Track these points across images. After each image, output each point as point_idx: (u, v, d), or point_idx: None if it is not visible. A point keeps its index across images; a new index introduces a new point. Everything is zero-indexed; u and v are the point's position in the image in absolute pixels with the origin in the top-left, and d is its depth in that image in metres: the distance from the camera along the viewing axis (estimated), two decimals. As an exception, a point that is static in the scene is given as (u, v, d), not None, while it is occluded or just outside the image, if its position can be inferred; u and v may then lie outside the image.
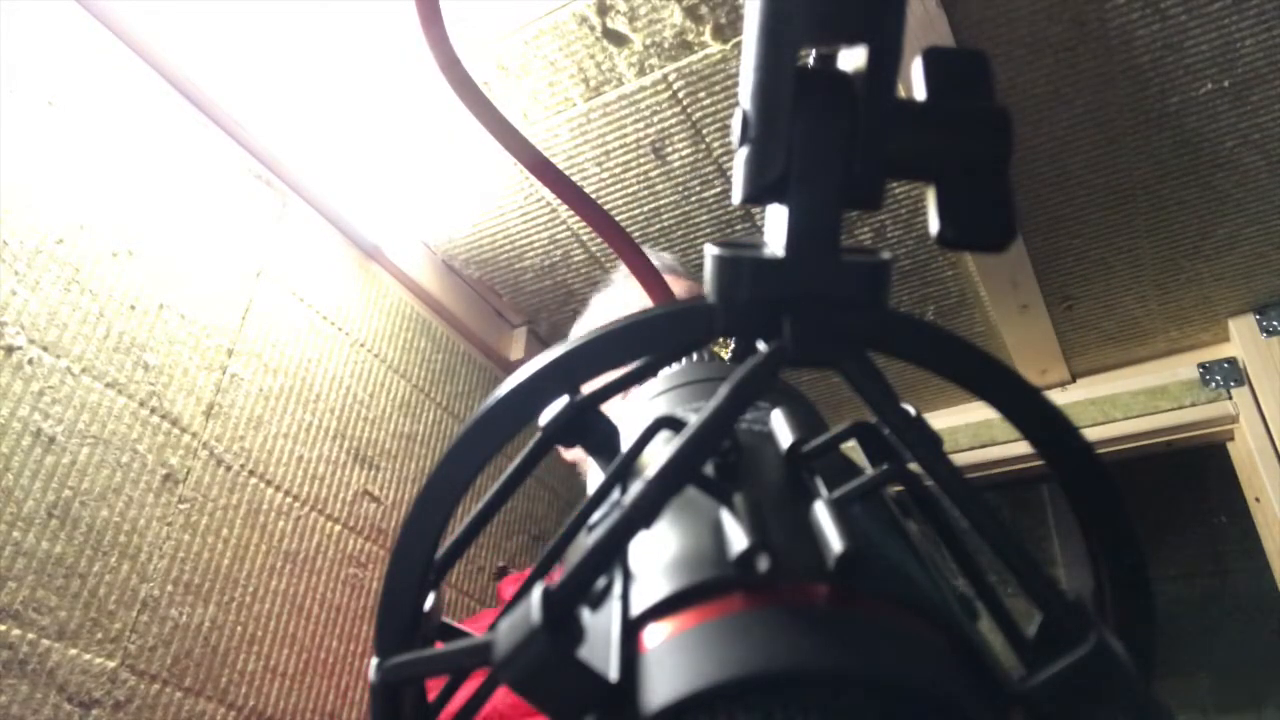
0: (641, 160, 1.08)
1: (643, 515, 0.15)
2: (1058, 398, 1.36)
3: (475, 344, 1.31)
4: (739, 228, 1.17)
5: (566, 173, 0.90)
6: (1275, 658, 1.22)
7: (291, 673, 0.91)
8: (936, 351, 0.17)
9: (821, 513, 0.15)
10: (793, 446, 0.18)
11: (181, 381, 0.86)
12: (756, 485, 0.17)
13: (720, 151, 1.06)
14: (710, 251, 0.16)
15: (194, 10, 0.91)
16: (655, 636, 0.14)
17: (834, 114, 0.16)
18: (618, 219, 0.94)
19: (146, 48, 0.91)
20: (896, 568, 0.16)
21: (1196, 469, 1.37)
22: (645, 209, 1.14)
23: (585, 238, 1.19)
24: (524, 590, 0.18)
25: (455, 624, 0.20)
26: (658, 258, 0.93)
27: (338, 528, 1.01)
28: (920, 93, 0.16)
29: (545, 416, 0.19)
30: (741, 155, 0.16)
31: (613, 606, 0.15)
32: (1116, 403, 1.36)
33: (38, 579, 0.71)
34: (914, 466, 0.18)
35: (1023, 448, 0.18)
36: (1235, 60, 0.93)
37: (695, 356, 0.26)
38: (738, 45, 0.93)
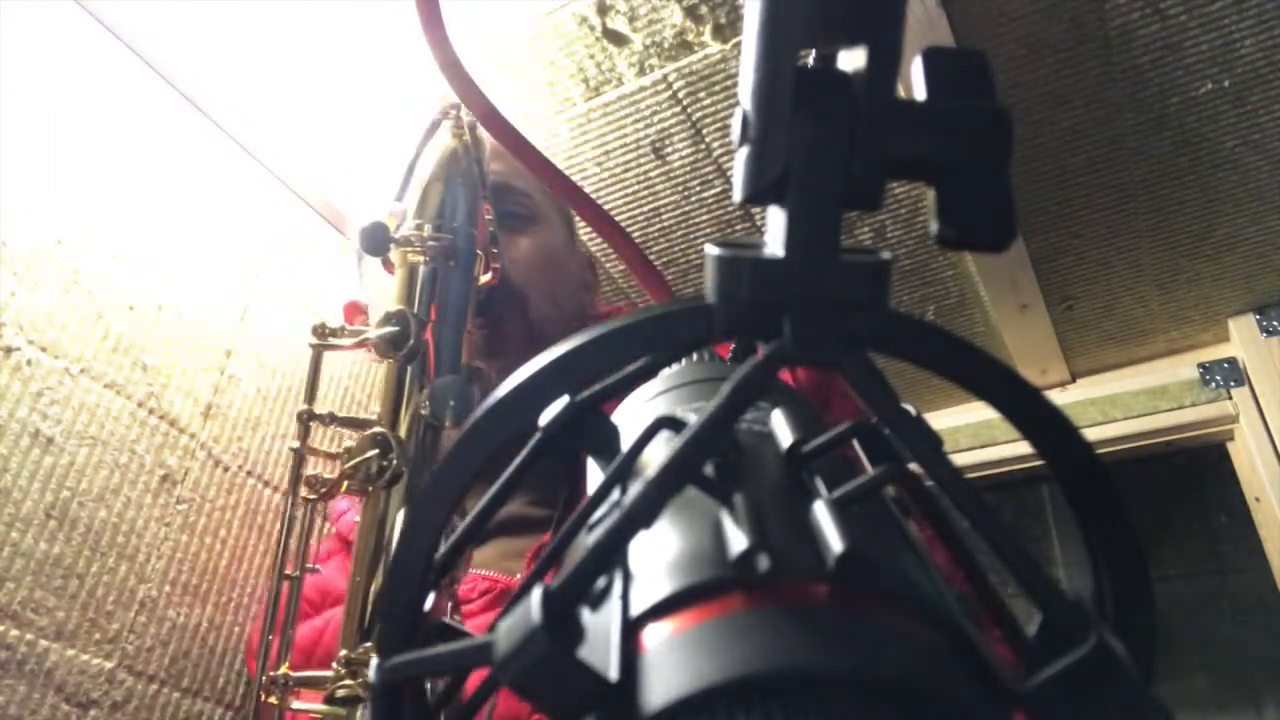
0: (641, 160, 1.08)
1: (643, 515, 0.15)
2: (1058, 398, 1.36)
3: (475, 344, 1.31)
4: (739, 228, 1.17)
5: (566, 172, 0.89)
6: (1275, 658, 1.22)
7: (291, 673, 0.91)
8: (936, 351, 0.17)
9: (821, 513, 0.15)
10: (793, 446, 0.18)
11: (180, 382, 0.86)
12: (756, 485, 0.17)
13: (720, 151, 1.06)
14: (710, 251, 0.16)
15: (195, 11, 0.90)
16: (655, 636, 0.14)
17: (834, 114, 0.16)
18: (618, 219, 0.94)
19: (147, 48, 0.91)
20: (896, 568, 0.16)
21: (1196, 469, 1.37)
22: (645, 209, 1.14)
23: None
24: (524, 590, 0.18)
25: (456, 624, 0.20)
26: None
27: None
28: (920, 93, 0.16)
29: (545, 416, 0.19)
30: (741, 155, 0.16)
31: (613, 606, 0.15)
32: (1116, 403, 1.36)
33: (35, 579, 0.71)
34: (914, 466, 0.18)
35: (1023, 448, 0.18)
36: (1235, 60, 0.93)
37: (695, 356, 0.26)
38: (738, 45, 0.93)
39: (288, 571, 0.48)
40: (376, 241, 0.52)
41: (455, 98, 0.52)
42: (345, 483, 0.47)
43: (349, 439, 0.48)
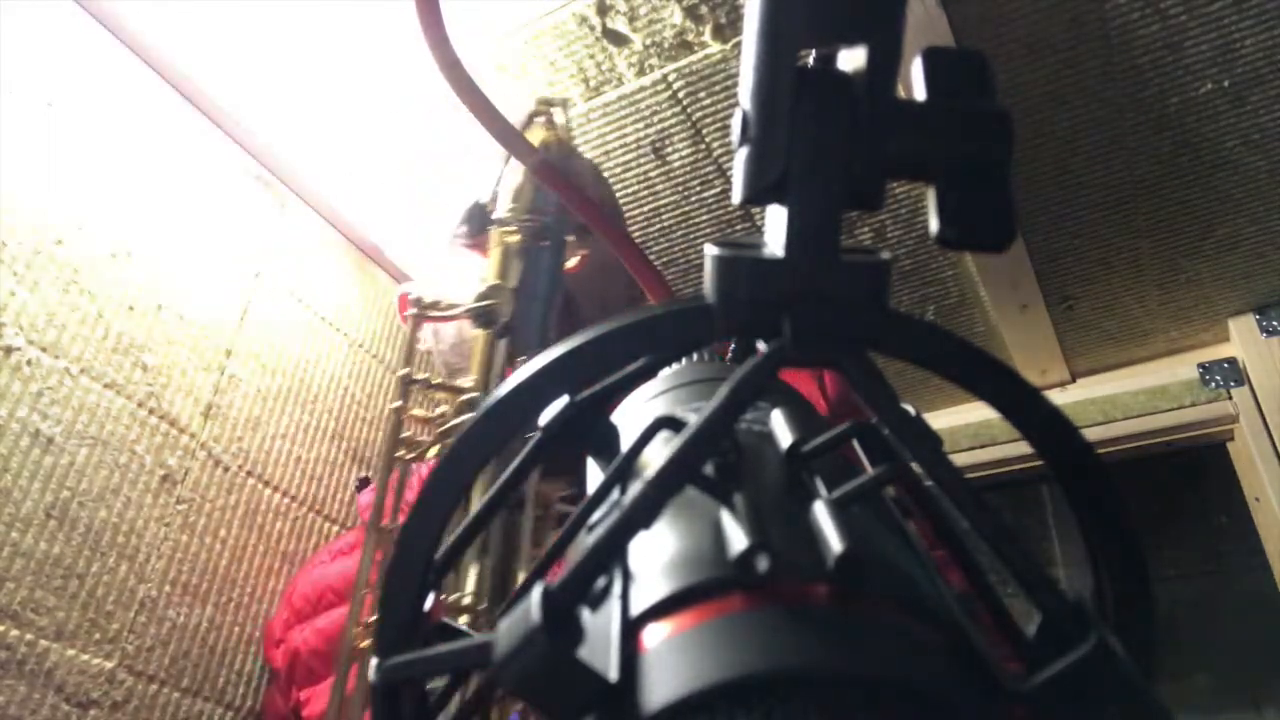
0: (641, 160, 1.08)
1: (642, 516, 0.15)
2: (1058, 398, 1.36)
3: (475, 344, 1.31)
4: (739, 228, 1.17)
5: (566, 173, 0.89)
6: (1275, 658, 1.22)
7: (291, 673, 0.91)
8: (936, 351, 0.17)
9: (821, 513, 0.15)
10: (792, 446, 0.18)
11: (180, 382, 0.86)
12: (756, 485, 0.17)
13: (720, 151, 1.06)
14: (710, 251, 0.16)
15: (193, 10, 0.90)
16: (655, 636, 0.14)
17: (834, 114, 0.16)
18: (617, 219, 0.94)
19: (146, 48, 0.91)
20: (896, 568, 0.16)
21: (1196, 469, 1.37)
22: (645, 209, 1.14)
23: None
24: (524, 590, 0.18)
25: (454, 624, 0.20)
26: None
27: (335, 528, 1.01)
28: (920, 93, 0.16)
29: (545, 416, 0.19)
30: (741, 155, 0.16)
31: (612, 606, 0.15)
32: (1116, 403, 1.36)
33: (36, 579, 0.71)
34: (914, 466, 0.18)
35: (1023, 448, 0.18)
36: (1235, 60, 0.93)
37: (695, 356, 0.26)
38: (738, 45, 0.93)
39: (383, 524, 0.51)
40: (477, 221, 0.58)
41: (551, 95, 0.58)
42: (438, 445, 0.51)
43: (443, 403, 0.53)
